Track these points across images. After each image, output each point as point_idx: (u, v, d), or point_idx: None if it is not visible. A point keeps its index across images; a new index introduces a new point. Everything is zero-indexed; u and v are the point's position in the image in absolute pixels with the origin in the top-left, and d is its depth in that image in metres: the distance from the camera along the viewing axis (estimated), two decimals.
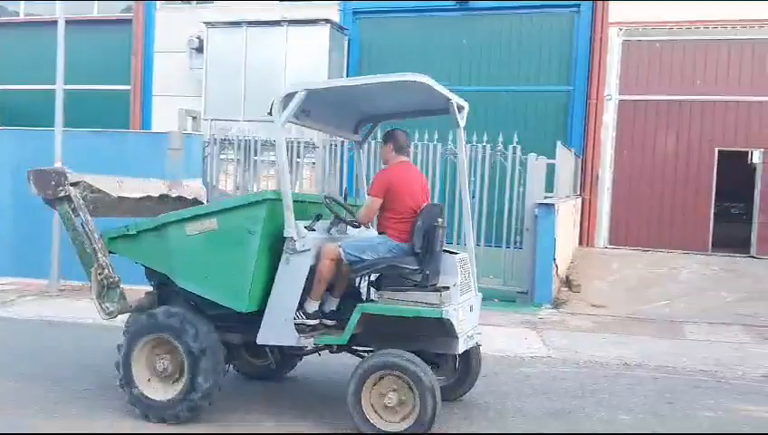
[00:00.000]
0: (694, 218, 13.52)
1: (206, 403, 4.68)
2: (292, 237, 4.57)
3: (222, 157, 11.24)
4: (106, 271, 4.74)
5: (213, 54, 14.10)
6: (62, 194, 4.72)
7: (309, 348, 4.94)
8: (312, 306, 4.81)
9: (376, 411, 4.48)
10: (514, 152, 9.45)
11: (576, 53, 13.97)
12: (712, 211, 13.56)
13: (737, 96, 13.31)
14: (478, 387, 5.38)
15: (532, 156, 9.37)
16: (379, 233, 5.02)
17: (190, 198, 5.77)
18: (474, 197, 9.50)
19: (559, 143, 9.33)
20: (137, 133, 13.15)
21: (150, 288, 5.14)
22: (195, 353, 4.59)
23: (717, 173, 13.47)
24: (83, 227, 4.78)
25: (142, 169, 9.38)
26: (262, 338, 4.72)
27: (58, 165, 8.00)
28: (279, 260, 4.63)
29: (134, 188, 5.36)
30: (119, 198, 5.13)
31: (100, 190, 4.95)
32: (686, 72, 13.66)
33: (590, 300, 9.49)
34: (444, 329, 4.56)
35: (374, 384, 4.47)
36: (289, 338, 4.67)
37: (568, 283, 10.31)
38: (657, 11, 13.33)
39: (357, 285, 5.21)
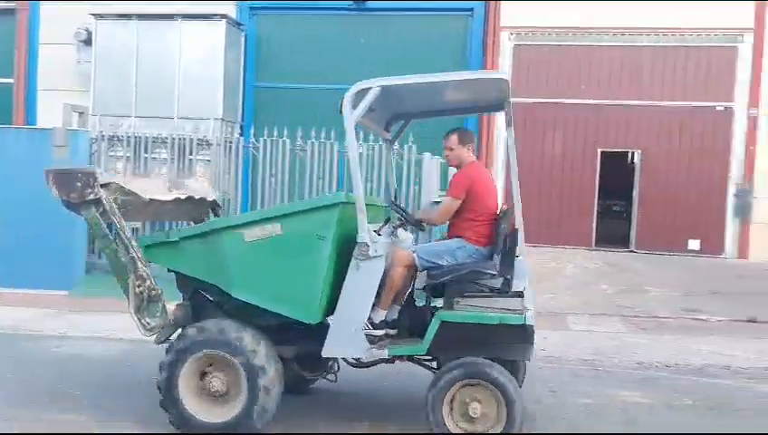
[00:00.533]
0: (579, 216, 14.21)
1: (267, 423, 4.34)
2: (365, 243, 4.30)
3: (111, 154, 10.83)
4: (148, 282, 4.34)
5: (102, 48, 13.47)
6: (91, 197, 4.26)
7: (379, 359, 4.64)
8: (380, 316, 4.51)
9: (456, 422, 4.29)
10: (410, 152, 9.65)
11: (470, 56, 14.38)
12: (595, 209, 14.30)
13: (619, 100, 14.10)
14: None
15: (426, 155, 9.59)
16: (454, 236, 4.78)
17: (197, 197, 5.23)
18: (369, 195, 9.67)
19: None
20: (18, 129, 12.40)
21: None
22: (254, 371, 4.24)
23: (600, 173, 14.23)
24: (119, 234, 4.36)
25: (24, 166, 8.96)
26: (328, 351, 4.44)
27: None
28: (343, 267, 4.37)
29: (154, 189, 4.86)
30: (150, 200, 4.67)
31: (131, 193, 4.48)
32: (572, 76, 14.32)
33: None
34: (523, 336, 4.34)
35: (455, 394, 4.28)
36: (359, 350, 4.44)
37: None
38: (545, 16, 13.90)
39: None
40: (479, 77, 4.57)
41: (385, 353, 4.45)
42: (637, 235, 14.06)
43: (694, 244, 13.80)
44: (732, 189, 13.62)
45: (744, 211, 13.50)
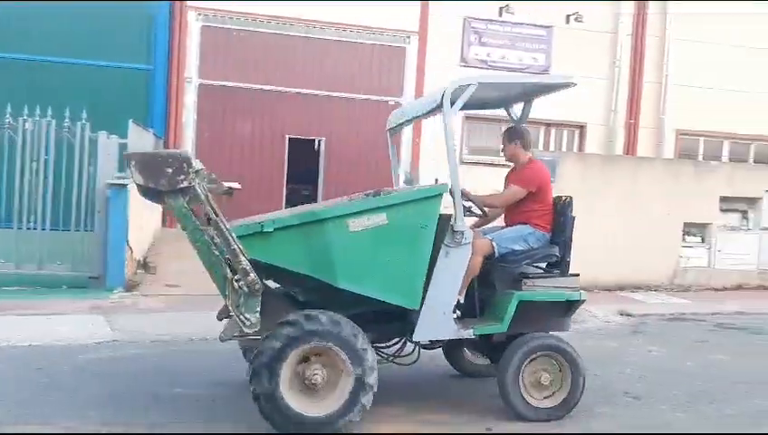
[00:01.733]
0: (269, 201, 14.56)
1: (360, 417, 4.28)
2: (462, 231, 4.59)
3: None
4: (250, 276, 4.06)
5: None
6: (184, 185, 3.89)
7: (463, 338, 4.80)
8: (458, 299, 4.72)
9: (527, 389, 4.73)
10: (83, 130, 8.96)
11: (156, 33, 13.81)
12: (284, 193, 14.82)
13: (306, 89, 14.74)
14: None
15: (102, 134, 8.98)
16: (517, 223, 5.13)
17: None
18: (46, 177, 8.85)
19: (131, 122, 9.09)
20: None
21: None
22: (364, 369, 4.22)
23: (289, 158, 14.77)
24: (218, 225, 4.03)
25: None
26: (420, 334, 4.65)
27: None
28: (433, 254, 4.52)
29: None
30: (228, 188, 4.44)
31: (215, 180, 4.15)
32: (262, 62, 14.60)
33: (165, 281, 9.55)
34: (570, 311, 4.97)
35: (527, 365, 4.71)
36: (449, 331, 4.69)
37: (144, 265, 10.21)
38: (235, 1, 13.95)
39: None
40: (563, 81, 5.13)
41: (471, 333, 4.71)
42: None
43: None
44: (402, 177, 15.13)
45: None
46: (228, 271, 4.11)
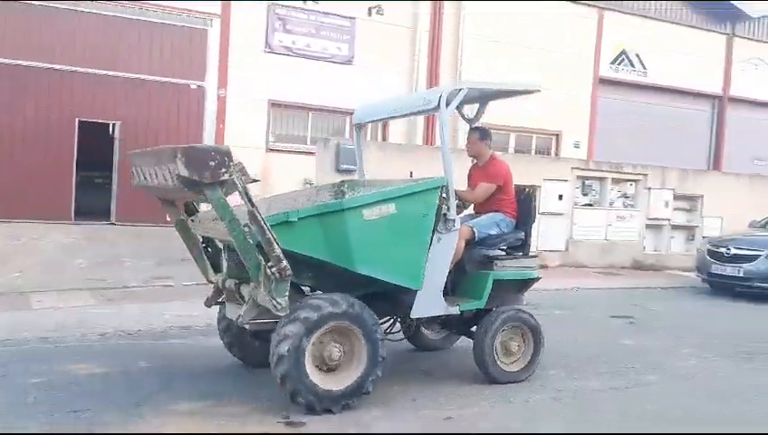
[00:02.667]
0: (56, 188, 13.49)
1: (373, 387, 4.74)
2: (454, 219, 5.16)
3: None
4: (283, 263, 4.31)
5: None
6: (225, 177, 4.07)
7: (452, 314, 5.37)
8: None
9: (499, 356, 5.44)
10: None
11: None
12: (74, 180, 13.76)
13: (100, 70, 13.75)
14: None
15: None
16: (489, 211, 5.84)
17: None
18: None
19: None
20: None
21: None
22: (376, 342, 4.67)
23: (79, 143, 13.71)
24: (254, 215, 4.21)
25: None
26: (417, 312, 5.13)
27: None
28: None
29: None
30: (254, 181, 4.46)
31: (246, 173, 4.25)
32: (48, 39, 13.39)
33: None
34: (525, 287, 5.80)
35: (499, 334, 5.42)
36: (440, 308, 5.23)
37: None
38: None
39: None
40: (520, 89, 6.10)
41: (456, 310, 5.31)
42: (117, 207, 14.04)
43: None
44: None
45: None
46: (262, 258, 4.34)
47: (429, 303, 5.16)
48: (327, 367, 4.63)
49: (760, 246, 10.98)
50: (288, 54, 15.43)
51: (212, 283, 5.52)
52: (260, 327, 4.87)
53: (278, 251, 4.30)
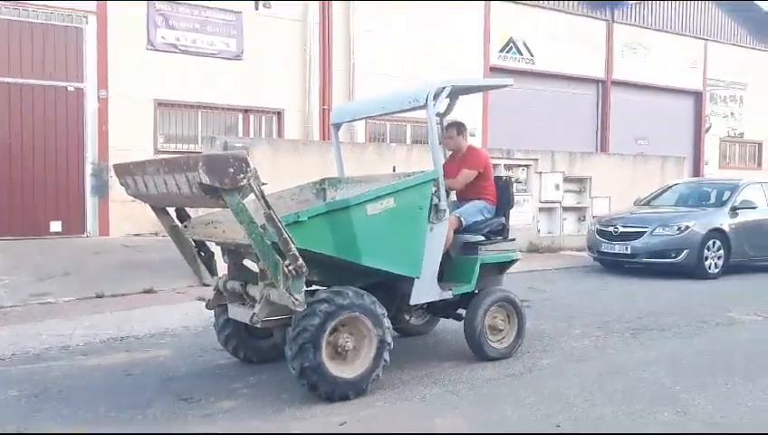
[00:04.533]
0: None
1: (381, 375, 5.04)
2: (445, 209, 5.43)
3: None
4: (299, 261, 4.48)
5: None
6: (244, 183, 4.16)
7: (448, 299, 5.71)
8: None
9: (487, 334, 5.80)
10: None
11: None
12: None
13: None
14: None
15: None
16: (472, 198, 6.23)
17: None
18: None
19: None
20: None
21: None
22: (383, 330, 4.94)
23: None
24: (272, 218, 4.33)
25: None
26: (415, 299, 5.42)
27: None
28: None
29: None
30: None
31: (258, 178, 4.28)
32: None
33: None
34: (504, 269, 6.20)
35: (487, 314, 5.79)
36: (435, 294, 5.52)
37: None
38: None
39: None
40: (494, 83, 7.15)
41: (450, 294, 5.63)
42: None
43: (56, 225, 13.66)
44: (89, 169, 13.92)
45: (101, 190, 13.97)
46: (279, 257, 4.48)
47: (426, 289, 5.47)
48: (340, 357, 4.87)
49: (645, 223, 11.48)
50: (173, 51, 14.83)
51: (207, 286, 5.80)
52: (271, 325, 5.07)
53: (294, 250, 4.48)
